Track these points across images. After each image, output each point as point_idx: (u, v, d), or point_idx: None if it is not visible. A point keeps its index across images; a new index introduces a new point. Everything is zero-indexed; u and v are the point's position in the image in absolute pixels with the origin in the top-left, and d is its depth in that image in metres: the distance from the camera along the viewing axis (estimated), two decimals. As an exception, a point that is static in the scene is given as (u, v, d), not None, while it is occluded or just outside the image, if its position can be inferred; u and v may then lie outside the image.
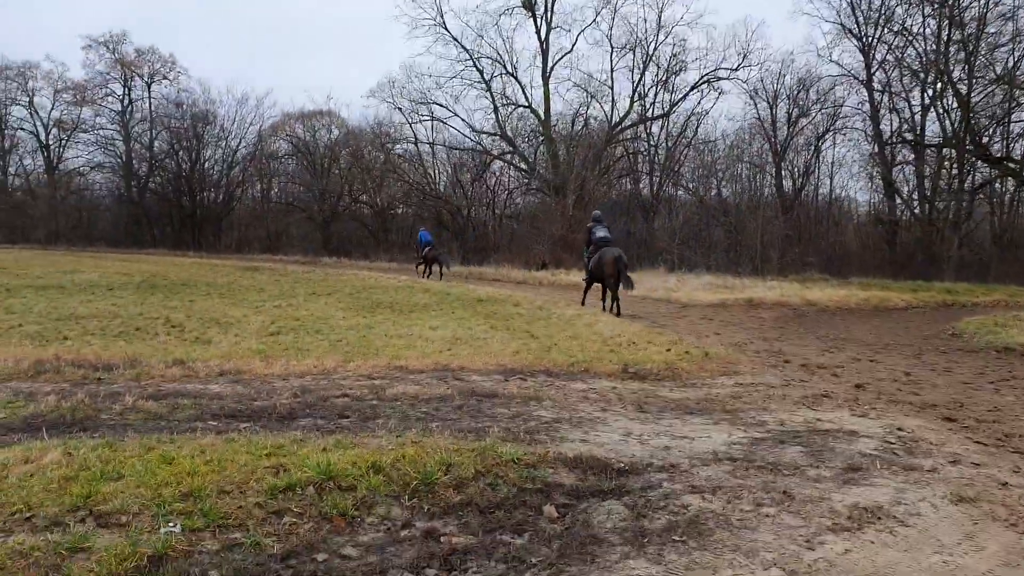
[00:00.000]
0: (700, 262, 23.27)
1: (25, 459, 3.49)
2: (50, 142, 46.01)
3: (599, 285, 13.52)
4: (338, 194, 40.66)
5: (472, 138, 34.61)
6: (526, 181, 34.56)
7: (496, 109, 33.23)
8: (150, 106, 45.75)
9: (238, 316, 10.76)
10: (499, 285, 20.15)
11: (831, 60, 30.09)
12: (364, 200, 40.77)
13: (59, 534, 2.75)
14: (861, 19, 28.31)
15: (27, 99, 45.49)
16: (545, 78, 32.18)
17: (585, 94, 32.67)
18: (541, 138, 33.11)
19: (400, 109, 35.20)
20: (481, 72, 32.91)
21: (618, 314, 12.36)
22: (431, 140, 36.20)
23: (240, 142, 44.65)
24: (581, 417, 4.97)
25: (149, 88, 45.68)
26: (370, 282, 18.87)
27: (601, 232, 13.56)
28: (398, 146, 37.65)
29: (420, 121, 35.52)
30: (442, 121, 34.75)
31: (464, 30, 38.18)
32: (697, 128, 33.01)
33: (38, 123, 45.78)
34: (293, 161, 43.39)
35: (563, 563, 2.88)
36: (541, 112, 32.47)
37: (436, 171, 37.44)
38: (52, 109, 45.65)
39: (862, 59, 28.63)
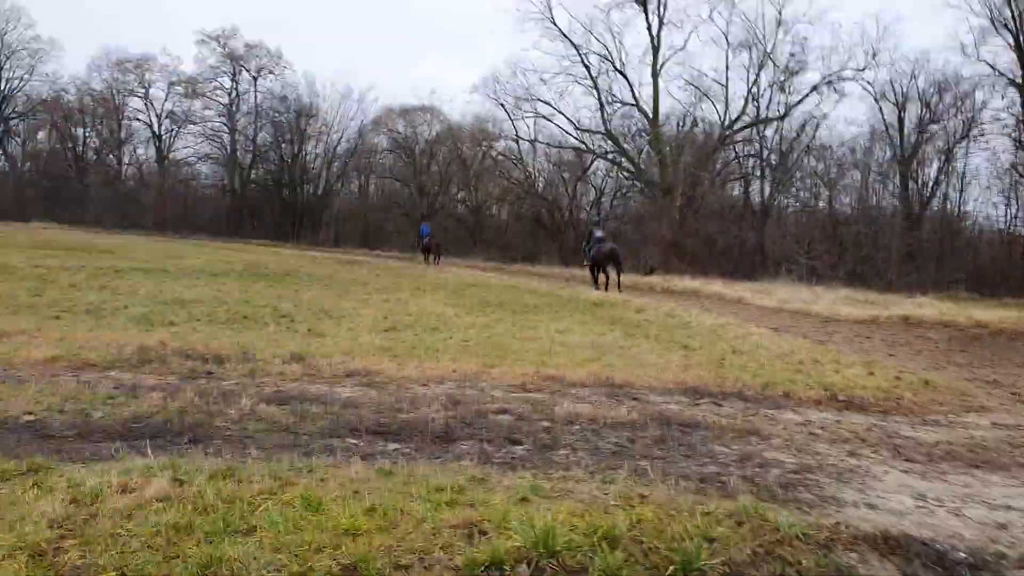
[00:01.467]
0: (827, 273, 21.23)
1: (123, 487, 2.50)
2: (162, 133, 47.47)
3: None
4: (436, 191, 40.12)
5: (576, 136, 33.32)
6: (630, 182, 33.00)
7: (602, 107, 31.78)
8: (255, 99, 46.58)
9: (347, 308, 9.90)
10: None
11: (979, 59, 27.10)
12: (460, 198, 40.07)
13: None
14: (1017, 12, 25.44)
15: (143, 91, 47.10)
16: (655, 75, 30.56)
17: (696, 93, 30.87)
18: (648, 137, 31.48)
19: (503, 105, 34.24)
20: (588, 68, 31.56)
21: (620, 290, 16.18)
22: (533, 138, 35.13)
23: (341, 136, 44.86)
24: (834, 465, 3.66)
25: (255, 82, 46.48)
26: (470, 280, 17.93)
27: (599, 233, 17.80)
28: (499, 143, 36.74)
29: (523, 118, 34.49)
30: (546, 118, 33.59)
31: (572, 24, 36.79)
32: (816, 132, 30.62)
33: (152, 114, 47.29)
34: (392, 156, 43.15)
35: None
36: (649, 111, 30.87)
37: (536, 169, 36.32)
38: (165, 101, 47.11)
39: (1015, 57, 25.75)
